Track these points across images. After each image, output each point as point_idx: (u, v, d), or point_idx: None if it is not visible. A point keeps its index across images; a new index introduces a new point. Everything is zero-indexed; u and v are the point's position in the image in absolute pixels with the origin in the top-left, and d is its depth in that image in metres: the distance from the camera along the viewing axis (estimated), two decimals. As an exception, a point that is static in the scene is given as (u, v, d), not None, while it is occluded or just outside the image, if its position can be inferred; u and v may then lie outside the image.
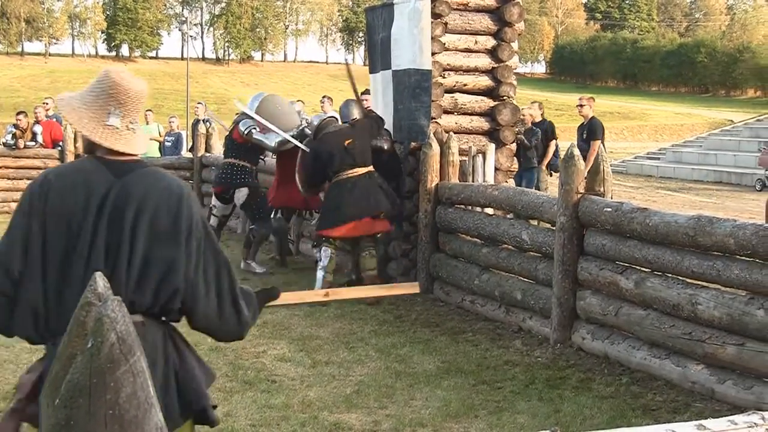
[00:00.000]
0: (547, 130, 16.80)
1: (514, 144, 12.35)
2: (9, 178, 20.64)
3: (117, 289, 3.52)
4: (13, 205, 17.67)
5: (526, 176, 16.13)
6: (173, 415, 3.88)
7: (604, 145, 15.28)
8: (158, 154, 22.55)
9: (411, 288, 6.32)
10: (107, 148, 3.92)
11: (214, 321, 4.02)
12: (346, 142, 11.33)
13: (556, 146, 16.93)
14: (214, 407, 4.13)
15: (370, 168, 11.43)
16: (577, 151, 8.88)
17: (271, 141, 12.84)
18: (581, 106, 15.66)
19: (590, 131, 15.29)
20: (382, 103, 12.46)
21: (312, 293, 5.99)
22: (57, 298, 3.84)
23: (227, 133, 14.22)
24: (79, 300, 3.41)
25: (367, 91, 13.46)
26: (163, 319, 3.96)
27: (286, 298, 4.73)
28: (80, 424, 4.05)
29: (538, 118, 16.95)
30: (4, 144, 20.64)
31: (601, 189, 8.72)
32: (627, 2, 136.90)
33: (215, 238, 4.08)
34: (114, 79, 3.98)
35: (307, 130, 12.51)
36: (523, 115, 16.77)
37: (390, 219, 11.47)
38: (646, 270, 8.01)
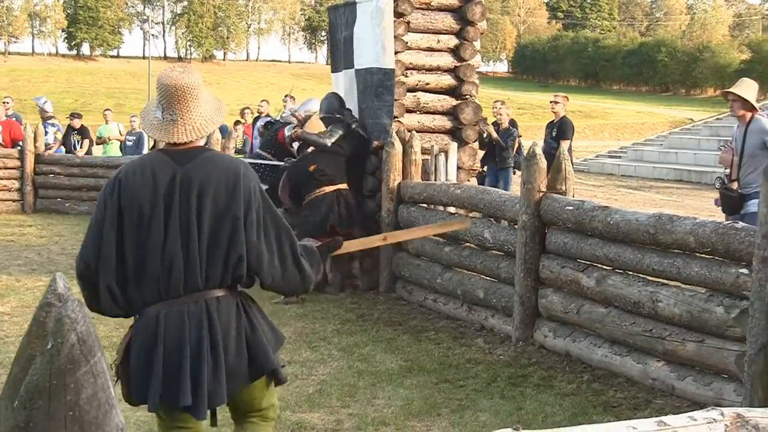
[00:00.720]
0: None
1: (477, 143, 12.37)
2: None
3: (193, 266, 4.38)
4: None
5: (502, 176, 16.18)
6: (244, 379, 4.54)
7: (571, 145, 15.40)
8: (119, 154, 22.45)
9: (461, 224, 7.62)
10: (159, 138, 4.57)
11: (279, 280, 4.59)
12: (311, 167, 11.43)
13: (520, 144, 16.97)
14: (283, 366, 4.78)
15: (340, 186, 11.51)
16: (539, 150, 8.93)
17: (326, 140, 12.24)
18: (555, 103, 15.65)
19: (560, 130, 15.32)
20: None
21: (371, 239, 6.34)
22: (136, 279, 4.40)
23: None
24: (158, 278, 4.39)
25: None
26: (238, 288, 4.55)
27: (348, 246, 5.35)
28: (40, 426, 4.03)
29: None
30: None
31: (563, 187, 8.76)
32: (588, 2, 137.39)
33: (274, 207, 4.63)
34: (159, 78, 4.53)
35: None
36: (500, 115, 16.82)
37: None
38: (608, 268, 8.06)
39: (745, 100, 9.60)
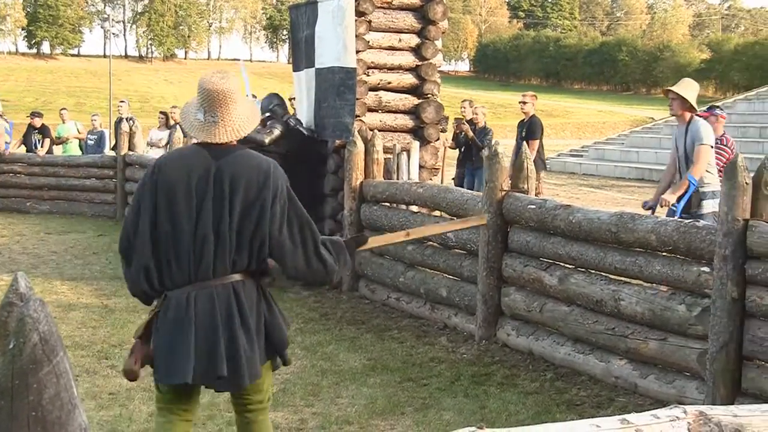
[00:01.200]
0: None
1: (439, 141, 12.37)
2: None
3: (222, 251, 4.74)
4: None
5: (478, 175, 16.17)
6: (263, 360, 4.87)
7: (542, 143, 15.39)
8: (79, 152, 22.29)
9: (479, 220, 7.64)
10: (198, 137, 4.92)
11: (302, 270, 4.93)
12: None
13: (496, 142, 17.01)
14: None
15: None
16: (501, 149, 8.95)
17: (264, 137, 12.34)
18: (524, 102, 15.62)
19: (529, 130, 15.31)
20: (306, 100, 12.45)
21: (395, 235, 6.74)
22: (169, 261, 4.76)
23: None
24: (189, 262, 4.75)
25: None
26: (260, 275, 4.90)
27: (373, 242, 5.79)
28: (2, 426, 3.99)
29: (470, 116, 17.01)
30: None
31: (525, 186, 8.79)
32: (549, 1, 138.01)
33: (299, 203, 4.95)
34: (200, 83, 4.95)
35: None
36: (475, 115, 16.84)
37: None
38: (570, 266, 8.09)
39: (685, 99, 9.64)
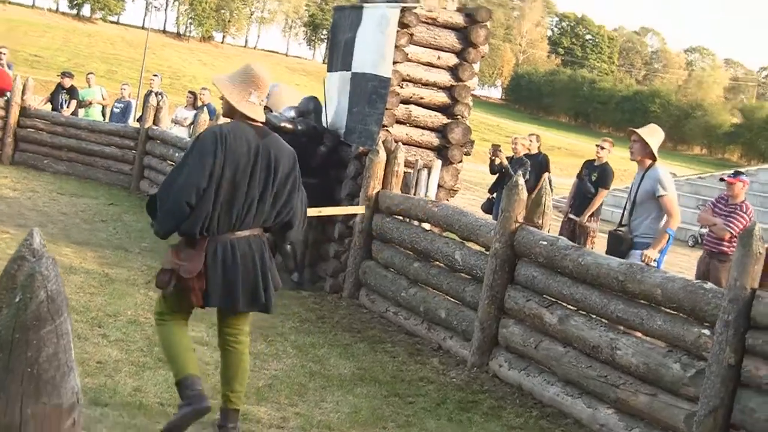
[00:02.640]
0: (541, 163, 16.69)
1: (461, 164, 12.35)
2: None
3: (260, 212, 6.12)
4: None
5: None
6: (263, 299, 6.17)
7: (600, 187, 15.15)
8: (100, 118, 22.32)
9: (358, 209, 10.05)
10: (248, 115, 6.12)
11: (297, 230, 6.46)
12: None
13: (549, 180, 16.91)
14: None
15: None
16: (521, 181, 8.92)
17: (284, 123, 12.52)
18: (602, 147, 15.38)
19: (601, 176, 15.18)
20: (336, 102, 12.45)
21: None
22: (223, 211, 5.98)
23: None
24: (237, 214, 6.02)
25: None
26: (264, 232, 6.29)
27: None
28: (-3, 377, 4.00)
29: (534, 150, 16.88)
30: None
31: (540, 221, 8.77)
32: (590, 42, 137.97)
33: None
34: (255, 72, 6.22)
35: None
36: (515, 144, 16.78)
37: None
38: (572, 308, 8.07)
39: (647, 144, 9.61)
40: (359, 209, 11.29)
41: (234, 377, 6.30)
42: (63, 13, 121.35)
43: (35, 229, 3.77)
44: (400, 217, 11.06)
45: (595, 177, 15.14)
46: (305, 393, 7.55)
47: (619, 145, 19.30)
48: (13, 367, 3.82)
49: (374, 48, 11.64)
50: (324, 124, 12.53)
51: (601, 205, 15.55)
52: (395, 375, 8.50)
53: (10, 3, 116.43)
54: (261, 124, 6.18)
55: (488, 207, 16.72)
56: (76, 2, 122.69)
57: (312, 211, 9.46)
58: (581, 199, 15.29)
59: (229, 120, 6.24)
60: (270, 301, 6.22)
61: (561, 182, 20.97)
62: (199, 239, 6.00)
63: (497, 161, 16.59)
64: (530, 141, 17.03)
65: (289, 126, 11.92)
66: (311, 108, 12.58)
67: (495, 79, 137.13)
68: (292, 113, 12.37)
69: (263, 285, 6.15)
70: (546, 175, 16.38)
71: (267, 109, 12.22)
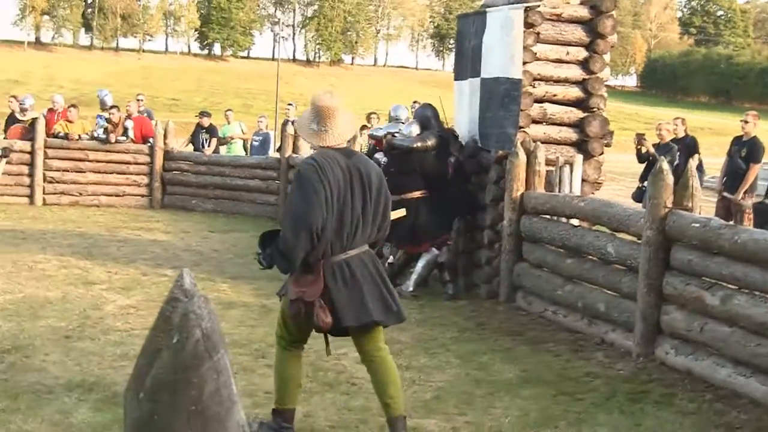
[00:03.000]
0: (689, 145, 16.44)
1: (603, 156, 12.23)
2: (99, 172, 20.93)
3: (365, 229, 6.33)
4: (103, 199, 18.03)
5: None
6: (395, 308, 6.50)
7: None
8: (242, 153, 22.73)
9: (398, 214, 10.27)
10: (315, 144, 6.42)
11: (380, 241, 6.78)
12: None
13: (700, 161, 16.60)
14: None
15: (415, 194, 11.99)
16: (666, 166, 8.80)
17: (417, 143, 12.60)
18: (745, 122, 15.13)
19: (751, 151, 14.88)
20: (467, 110, 12.45)
21: None
22: (335, 233, 6.18)
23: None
24: (347, 235, 6.23)
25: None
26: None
27: None
28: (164, 419, 4.12)
29: (681, 134, 16.62)
30: (96, 138, 20.94)
31: (689, 204, 8.63)
32: (722, 18, 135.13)
33: None
34: (313, 100, 6.43)
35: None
36: (659, 130, 16.53)
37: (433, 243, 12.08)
38: (733, 287, 7.91)
39: None
40: (400, 212, 11.26)
41: (387, 384, 6.49)
42: (195, 55, 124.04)
43: (185, 270, 3.88)
44: (548, 216, 11.00)
45: (744, 152, 14.83)
46: (473, 401, 7.56)
47: (764, 117, 18.85)
48: (178, 406, 3.92)
49: (502, 51, 11.63)
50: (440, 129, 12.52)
51: (756, 180, 15.21)
52: (561, 374, 8.44)
53: (144, 51, 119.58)
54: (342, 146, 6.39)
55: (639, 196, 16.48)
56: (206, 43, 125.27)
57: None
58: (733, 176, 14.99)
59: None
60: (402, 309, 6.55)
61: (710, 162, 20.55)
62: (314, 265, 6.20)
63: (643, 150, 16.32)
64: (675, 125, 16.72)
65: (420, 144, 11.98)
66: (430, 115, 12.60)
67: (628, 67, 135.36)
68: (416, 128, 12.40)
69: (390, 295, 6.45)
70: (696, 156, 16.11)
71: (392, 135, 12.38)
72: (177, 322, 4.22)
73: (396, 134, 12.38)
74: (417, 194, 11.91)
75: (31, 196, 20.48)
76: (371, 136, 14.14)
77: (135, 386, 4.64)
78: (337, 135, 6.33)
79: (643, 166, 16.45)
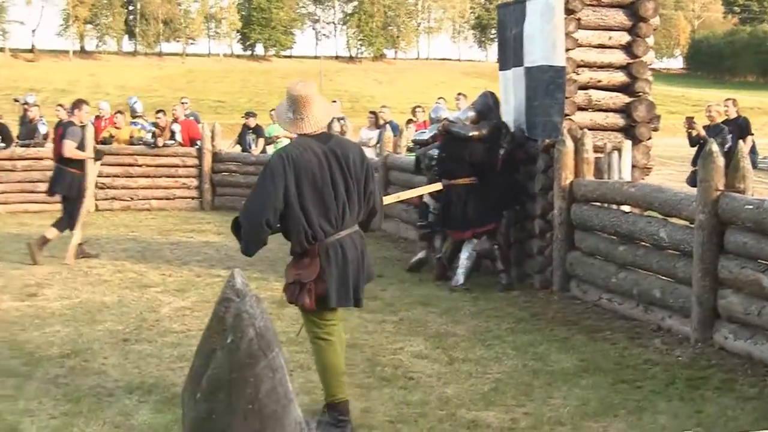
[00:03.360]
0: (742, 126, 16.29)
1: (651, 140, 12.14)
2: (149, 176, 21.11)
3: (352, 209, 6.57)
4: (154, 202, 18.16)
5: None
6: (359, 295, 6.71)
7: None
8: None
9: (436, 186, 12.06)
10: (292, 131, 6.72)
11: (377, 221, 7.02)
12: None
13: (753, 143, 16.43)
14: None
15: (464, 180, 12.08)
16: (715, 148, 8.73)
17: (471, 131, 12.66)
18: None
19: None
20: (512, 99, 12.41)
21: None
22: (322, 217, 6.42)
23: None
24: (335, 217, 6.46)
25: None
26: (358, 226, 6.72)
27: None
28: (221, 417, 4.15)
29: (733, 115, 16.49)
30: (144, 142, 21.11)
31: (742, 186, 8.55)
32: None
33: None
34: (288, 89, 6.66)
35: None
36: (709, 112, 16.39)
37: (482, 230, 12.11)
38: (790, 269, 7.82)
39: None
40: (436, 186, 12.21)
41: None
42: (238, 56, 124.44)
43: (236, 270, 3.92)
44: (598, 204, 10.95)
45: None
46: (531, 392, 7.54)
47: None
48: (234, 405, 3.95)
49: (543, 39, 11.57)
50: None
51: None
52: (618, 362, 8.40)
53: (188, 55, 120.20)
54: (318, 133, 6.60)
55: (693, 180, 16.36)
56: (248, 44, 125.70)
57: (390, 198, 11.13)
58: None
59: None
60: (362, 296, 6.79)
61: (762, 143, 20.36)
62: (309, 248, 6.48)
63: (694, 133, 16.19)
64: (726, 107, 16.58)
65: (476, 133, 11.98)
66: (491, 104, 12.56)
67: (673, 49, 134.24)
68: (472, 114, 12.40)
69: (361, 282, 6.72)
70: (749, 138, 15.96)
71: (450, 122, 12.36)
72: (230, 322, 4.25)
73: (453, 122, 12.37)
74: (466, 181, 11.90)
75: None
76: (416, 141, 14.10)
77: (192, 387, 4.67)
78: (313, 122, 6.57)
79: (695, 149, 16.33)
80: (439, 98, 20.61)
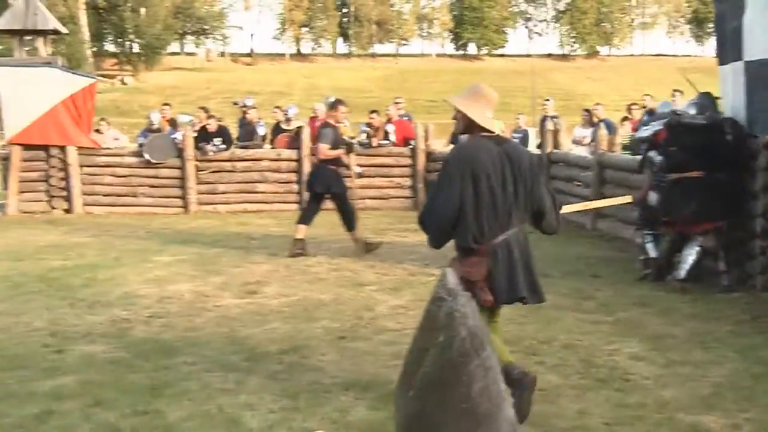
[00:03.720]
0: None
1: None
2: (364, 176, 21.39)
3: (518, 210, 6.77)
4: (369, 202, 18.46)
5: None
6: (539, 289, 6.94)
7: None
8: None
9: (624, 199, 12.35)
10: (488, 129, 6.90)
11: (551, 224, 7.09)
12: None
13: None
14: None
15: (694, 173, 11.69)
16: None
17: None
18: None
19: None
20: (731, 95, 12.09)
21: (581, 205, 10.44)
22: (491, 218, 6.68)
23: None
24: (502, 218, 6.69)
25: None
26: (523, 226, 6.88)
27: (565, 209, 8.48)
28: (433, 416, 4.21)
29: None
30: (359, 143, 21.43)
31: None
32: None
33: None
34: (482, 89, 7.11)
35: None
36: None
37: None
38: None
39: None
40: (626, 198, 12.42)
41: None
42: (450, 56, 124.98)
43: (449, 270, 3.97)
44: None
45: None
46: (754, 397, 7.32)
47: None
48: (447, 404, 3.99)
49: (764, 31, 11.20)
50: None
51: None
52: None
53: (400, 56, 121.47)
54: (495, 134, 6.94)
55: None
56: (461, 43, 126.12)
57: (575, 207, 11.16)
58: None
59: (467, 135, 7.11)
60: (541, 293, 6.97)
61: None
62: (477, 248, 6.72)
63: None
64: None
65: (708, 122, 11.74)
66: (708, 103, 12.34)
67: None
68: (693, 110, 12.19)
69: (534, 276, 6.91)
70: None
71: (675, 113, 12.16)
72: (442, 321, 4.30)
73: (681, 114, 12.17)
74: (695, 174, 11.62)
75: (300, 203, 21.18)
76: (641, 140, 13.84)
77: (404, 385, 4.76)
78: (494, 124, 6.98)
79: None
80: (675, 91, 20.00)
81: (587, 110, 21.40)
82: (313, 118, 22.24)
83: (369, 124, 21.83)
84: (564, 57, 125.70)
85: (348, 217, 15.07)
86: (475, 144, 6.86)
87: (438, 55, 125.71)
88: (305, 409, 7.10)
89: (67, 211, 21.14)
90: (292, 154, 21.29)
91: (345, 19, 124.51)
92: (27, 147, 21.14)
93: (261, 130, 22.32)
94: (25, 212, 21.01)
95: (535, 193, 6.85)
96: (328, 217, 18.81)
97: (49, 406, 7.19)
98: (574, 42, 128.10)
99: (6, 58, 23.54)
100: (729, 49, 12.18)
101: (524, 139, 22.41)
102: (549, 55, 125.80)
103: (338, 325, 9.89)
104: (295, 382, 7.82)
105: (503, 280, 6.71)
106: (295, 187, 21.22)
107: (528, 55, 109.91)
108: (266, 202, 21.24)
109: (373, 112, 22.33)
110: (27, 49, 24.28)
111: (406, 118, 22.89)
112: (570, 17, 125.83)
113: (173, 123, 22.70)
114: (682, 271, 11.65)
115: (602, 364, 8.25)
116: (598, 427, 6.71)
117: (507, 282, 6.71)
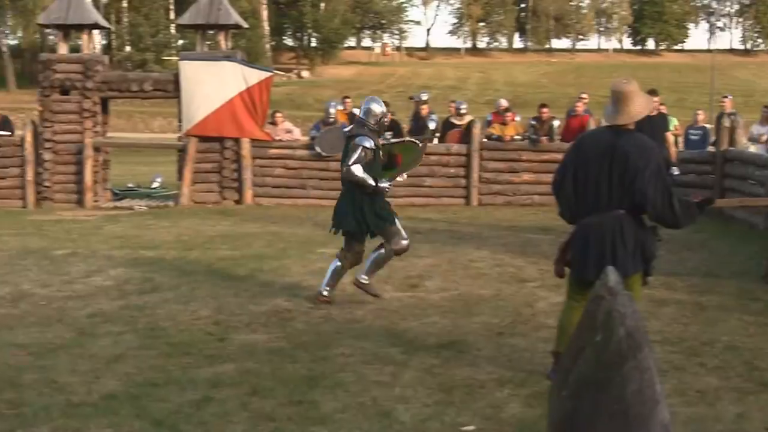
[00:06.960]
0: None
1: None
2: (533, 172, 21.26)
3: (610, 196, 7.18)
4: (536, 198, 18.41)
5: None
6: (634, 265, 7.24)
7: None
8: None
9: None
10: (608, 122, 7.43)
11: (660, 212, 7.21)
12: None
13: None
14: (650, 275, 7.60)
15: None
16: None
17: None
18: None
19: None
20: None
21: (736, 200, 8.74)
22: (581, 200, 7.36)
23: None
24: (593, 201, 7.23)
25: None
26: (635, 214, 7.26)
27: (719, 203, 8.96)
28: (585, 416, 4.15)
29: None
30: (529, 138, 21.30)
31: None
32: None
33: (663, 172, 7.32)
34: (611, 85, 7.47)
35: None
36: None
37: None
38: None
39: None
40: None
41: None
42: (627, 51, 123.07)
43: (610, 268, 3.91)
44: None
45: None
46: None
47: None
48: (600, 405, 3.92)
49: None
50: None
51: None
52: None
53: (577, 51, 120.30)
54: (624, 127, 7.30)
55: None
56: (639, 38, 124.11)
57: (734, 201, 12.10)
58: None
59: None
60: (624, 267, 7.01)
61: None
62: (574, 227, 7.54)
63: None
64: None
65: None
66: None
67: None
68: None
69: (611, 257, 7.08)
70: None
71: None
72: (601, 320, 4.23)
73: None
74: None
75: (467, 197, 21.18)
76: None
77: (558, 383, 4.70)
78: (625, 116, 7.29)
79: None
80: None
81: (767, 107, 20.75)
82: (495, 113, 22.20)
83: (537, 118, 21.64)
84: (747, 52, 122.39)
85: None
86: (594, 132, 7.88)
87: (615, 51, 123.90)
88: (459, 403, 7.10)
89: (238, 201, 21.61)
90: (461, 149, 21.30)
91: (523, 14, 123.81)
92: (203, 139, 21.69)
93: (432, 124, 22.36)
94: (197, 203, 21.56)
95: (635, 185, 7.10)
96: (493, 213, 18.80)
97: (207, 393, 7.36)
98: (758, 37, 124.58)
99: (189, 52, 24.12)
100: None
101: (704, 137, 21.83)
102: (731, 50, 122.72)
103: (497, 320, 9.86)
104: (450, 376, 7.83)
105: (579, 257, 7.41)
106: (463, 182, 21.23)
107: (708, 51, 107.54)
108: (433, 197, 21.29)
109: (542, 106, 22.15)
110: (209, 43, 24.91)
111: (586, 114, 22.62)
112: (755, 11, 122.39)
113: (352, 116, 22.94)
114: None
115: (766, 368, 8.00)
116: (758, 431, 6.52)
117: (581, 260, 7.38)
